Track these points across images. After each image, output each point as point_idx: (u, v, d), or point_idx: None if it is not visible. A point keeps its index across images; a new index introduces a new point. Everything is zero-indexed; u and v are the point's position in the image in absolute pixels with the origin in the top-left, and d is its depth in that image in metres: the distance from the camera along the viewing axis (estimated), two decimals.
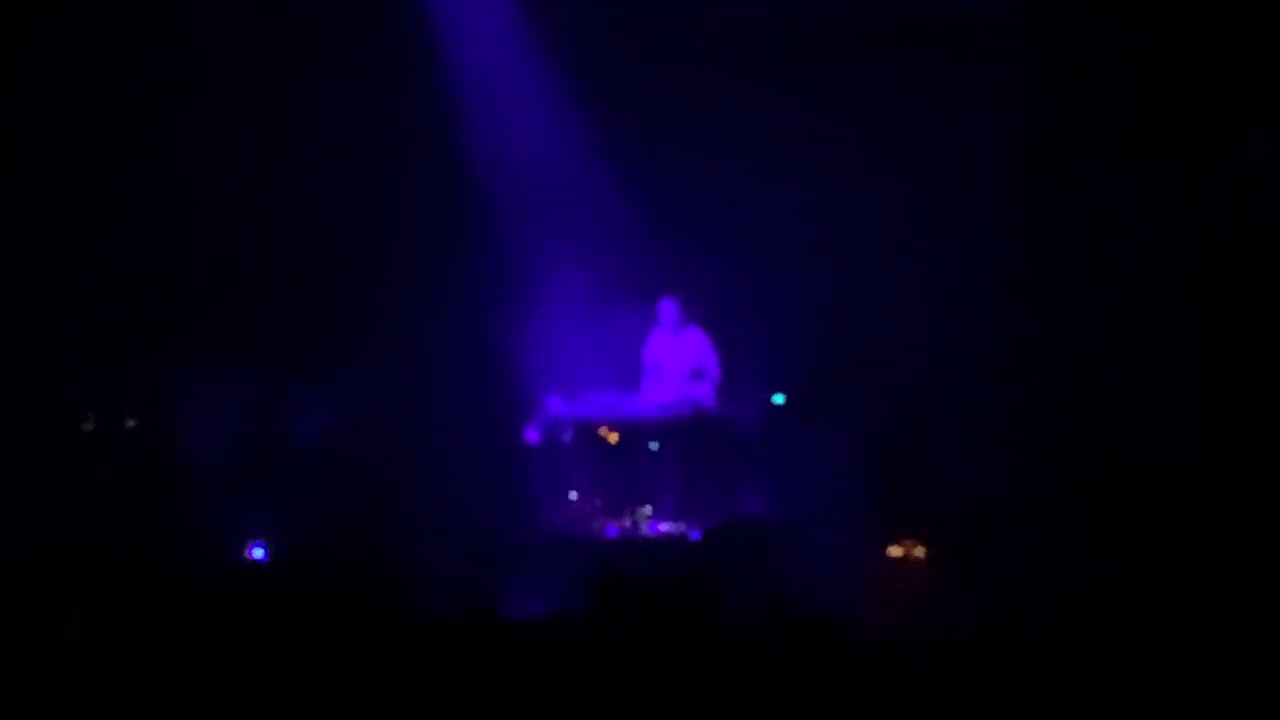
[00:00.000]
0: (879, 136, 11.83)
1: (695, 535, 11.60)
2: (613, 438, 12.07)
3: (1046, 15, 11.56)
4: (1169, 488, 10.54)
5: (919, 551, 10.95)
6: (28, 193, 11.91)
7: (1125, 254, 11.43)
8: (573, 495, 12.06)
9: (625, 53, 12.17)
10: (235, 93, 12.11)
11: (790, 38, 11.90)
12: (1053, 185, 11.58)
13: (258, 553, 11.47)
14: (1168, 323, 11.16)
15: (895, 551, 10.96)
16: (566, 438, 12.15)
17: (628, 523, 11.94)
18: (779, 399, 12.27)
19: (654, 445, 12.03)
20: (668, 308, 12.31)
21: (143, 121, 12.05)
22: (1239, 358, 10.77)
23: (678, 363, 12.34)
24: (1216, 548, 9.91)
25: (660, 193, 12.25)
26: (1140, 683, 7.00)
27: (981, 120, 11.59)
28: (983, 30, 11.65)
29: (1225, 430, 10.61)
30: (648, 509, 11.91)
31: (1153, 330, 11.20)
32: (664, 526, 11.85)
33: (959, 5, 11.72)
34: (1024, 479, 10.77)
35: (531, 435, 12.16)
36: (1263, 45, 10.91)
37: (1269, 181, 11.16)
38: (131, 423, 11.79)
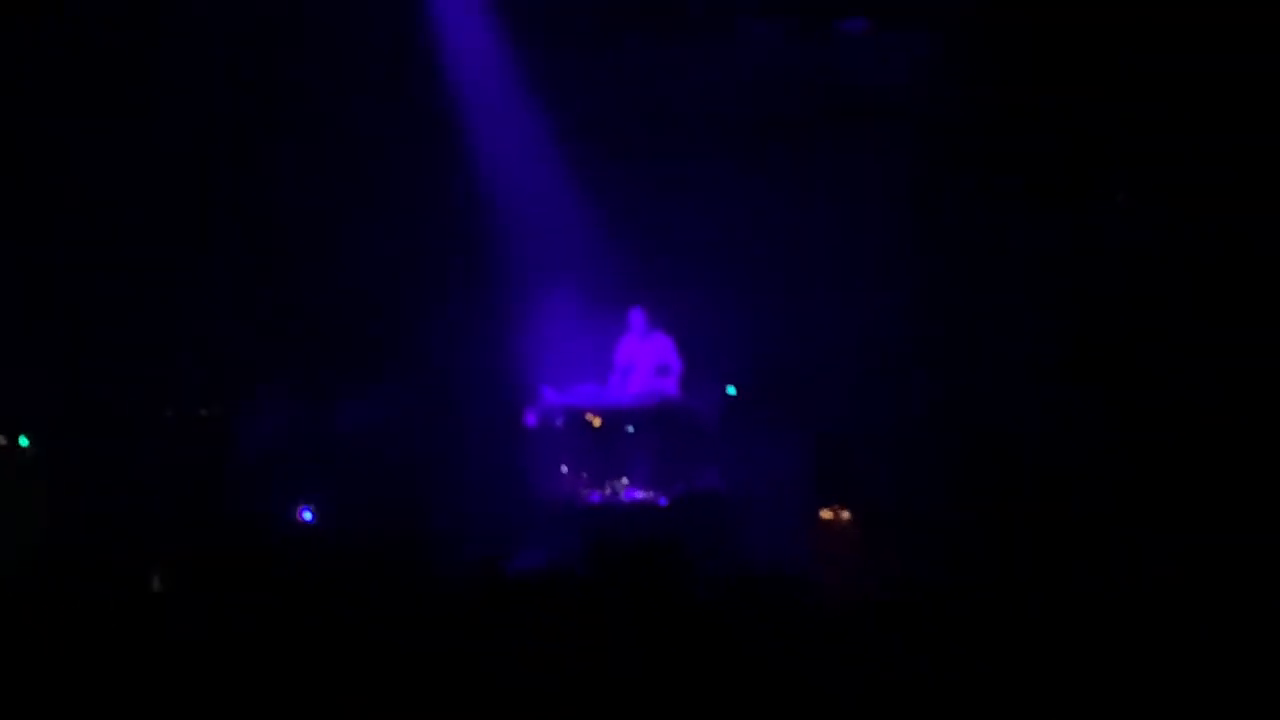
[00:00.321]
0: (806, 186, 13.04)
1: (663, 501, 12.72)
2: (596, 422, 13.14)
3: (934, 94, 12.67)
4: (1031, 466, 11.45)
5: (845, 514, 11.88)
6: (126, 224, 12.75)
7: (1002, 279, 12.48)
8: (563, 468, 13.11)
9: (611, 110, 13.32)
10: (311, 138, 13.01)
11: (737, 125, 13.19)
12: (945, 223, 12.70)
13: (307, 515, 12.44)
14: (1036, 336, 12.15)
15: (826, 514, 11.87)
16: (559, 422, 13.24)
17: (608, 491, 12.95)
18: (731, 391, 13.33)
19: (630, 428, 13.15)
20: (637, 315, 13.51)
21: (234, 161, 12.94)
22: (1091, 358, 11.86)
23: (646, 361, 13.50)
24: (1070, 505, 10.70)
25: (632, 222, 13.37)
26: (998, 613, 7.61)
27: (889, 173, 12.77)
28: (887, 103, 12.89)
29: (1079, 414, 11.60)
30: (624, 480, 12.98)
31: (1022, 341, 12.20)
32: (638, 494, 12.93)
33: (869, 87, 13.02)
34: (920, 456, 11.85)
35: (530, 419, 13.24)
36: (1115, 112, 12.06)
37: (1127, 221, 12.39)
38: (204, 412, 12.97)
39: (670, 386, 13.46)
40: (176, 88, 12.89)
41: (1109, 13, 12.04)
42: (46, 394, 12.44)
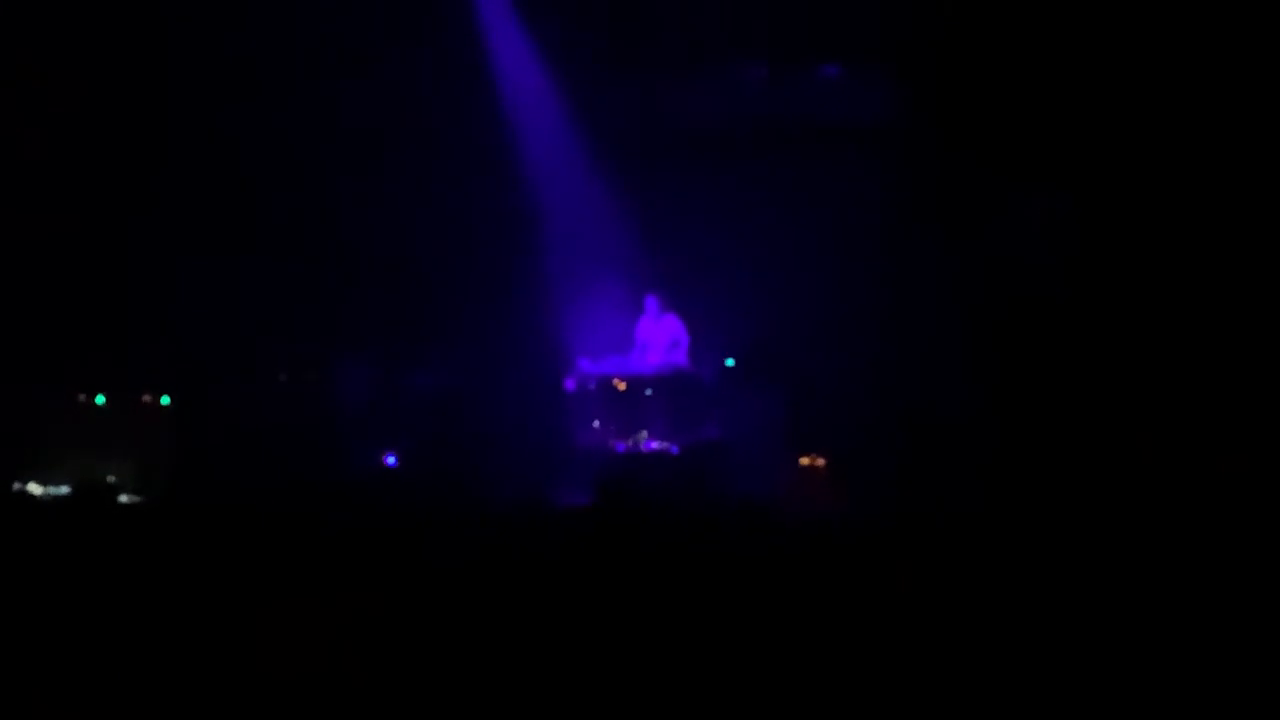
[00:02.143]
0: (793, 195, 14.07)
1: (675, 450, 13.72)
2: (622, 386, 14.08)
3: (898, 123, 13.63)
4: (961, 429, 12.25)
5: (820, 461, 12.75)
6: (221, 217, 13.65)
7: (951, 273, 13.42)
8: (595, 424, 14.11)
9: (634, 130, 14.30)
10: (369, 142, 13.78)
11: (736, 144, 14.17)
12: (909, 225, 13.61)
13: (390, 460, 13.50)
14: (974, 321, 13.07)
15: (804, 461, 12.75)
16: (591, 386, 14.22)
17: (631, 442, 13.91)
18: (730, 362, 14.25)
19: (648, 392, 14.12)
20: (652, 301, 14.55)
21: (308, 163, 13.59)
22: (1012, 347, 12.66)
23: (661, 338, 14.49)
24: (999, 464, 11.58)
25: (652, 225, 14.46)
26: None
27: (862, 185, 13.64)
28: (861, 128, 13.86)
29: (1008, 394, 12.48)
30: (644, 433, 13.94)
31: (963, 323, 13.12)
32: (655, 444, 13.89)
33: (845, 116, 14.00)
34: (878, 417, 12.86)
35: (569, 384, 14.23)
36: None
37: (1039, 238, 13.28)
38: (312, 378, 14.00)
39: (680, 358, 14.37)
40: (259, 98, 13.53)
41: (1048, 50, 12.86)
42: (189, 362, 13.61)
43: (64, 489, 12.04)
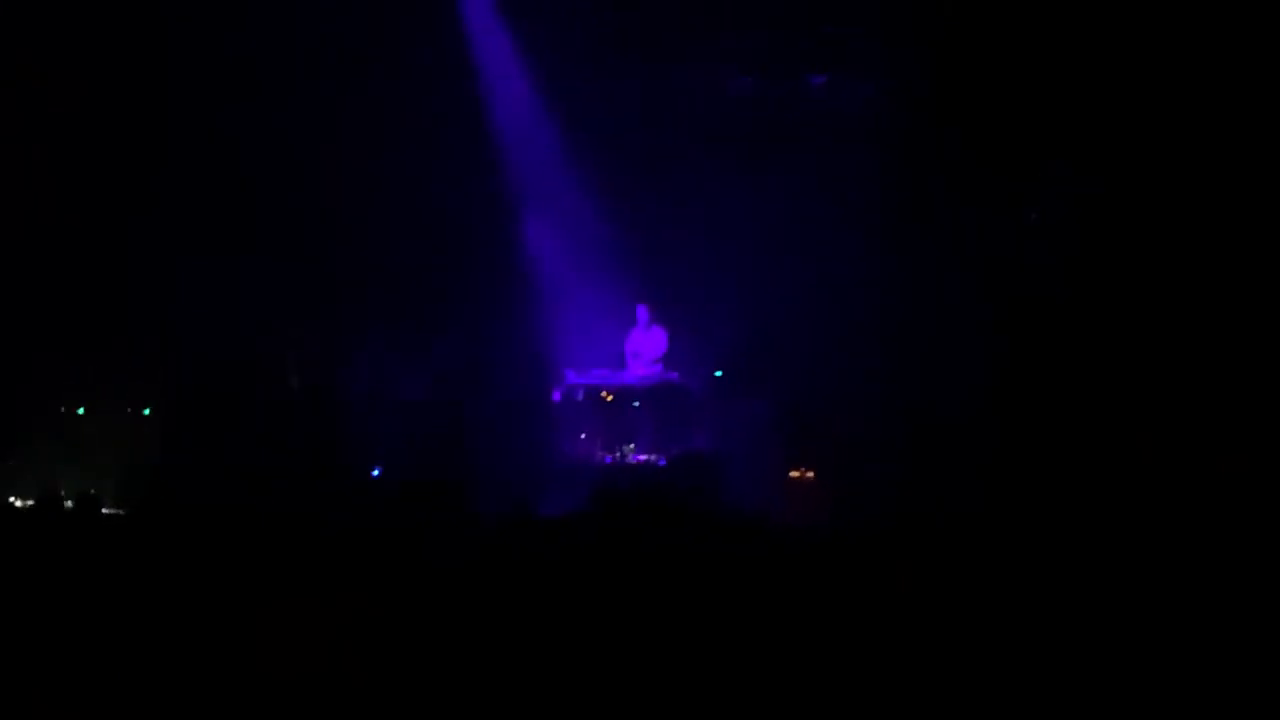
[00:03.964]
0: (780, 203, 14.08)
1: (662, 462, 13.78)
2: (609, 398, 14.26)
3: (885, 126, 13.87)
4: (960, 433, 12.29)
5: (809, 474, 12.90)
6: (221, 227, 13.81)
7: (944, 279, 13.51)
8: (582, 435, 14.32)
9: (622, 136, 14.40)
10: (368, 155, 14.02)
11: (724, 150, 14.27)
12: (894, 235, 13.72)
13: (375, 472, 13.44)
14: (970, 325, 13.10)
15: (794, 473, 12.91)
16: (579, 397, 14.44)
17: (618, 454, 14.06)
18: (719, 374, 14.45)
19: (636, 403, 14.30)
20: (642, 311, 14.81)
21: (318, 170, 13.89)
22: (1015, 345, 12.74)
23: (649, 349, 14.74)
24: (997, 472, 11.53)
25: (640, 237, 14.65)
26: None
27: (849, 193, 13.77)
28: (848, 132, 14.07)
29: (1004, 398, 12.52)
30: (631, 445, 14.11)
31: (958, 329, 13.15)
32: (642, 456, 14.07)
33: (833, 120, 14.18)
34: (871, 428, 12.84)
35: (556, 395, 14.44)
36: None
37: (1040, 234, 13.51)
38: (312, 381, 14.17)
39: (668, 371, 14.62)
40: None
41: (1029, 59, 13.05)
42: (177, 370, 13.77)
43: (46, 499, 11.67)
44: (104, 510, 10.82)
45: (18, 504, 12.52)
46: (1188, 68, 12.39)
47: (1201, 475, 10.59)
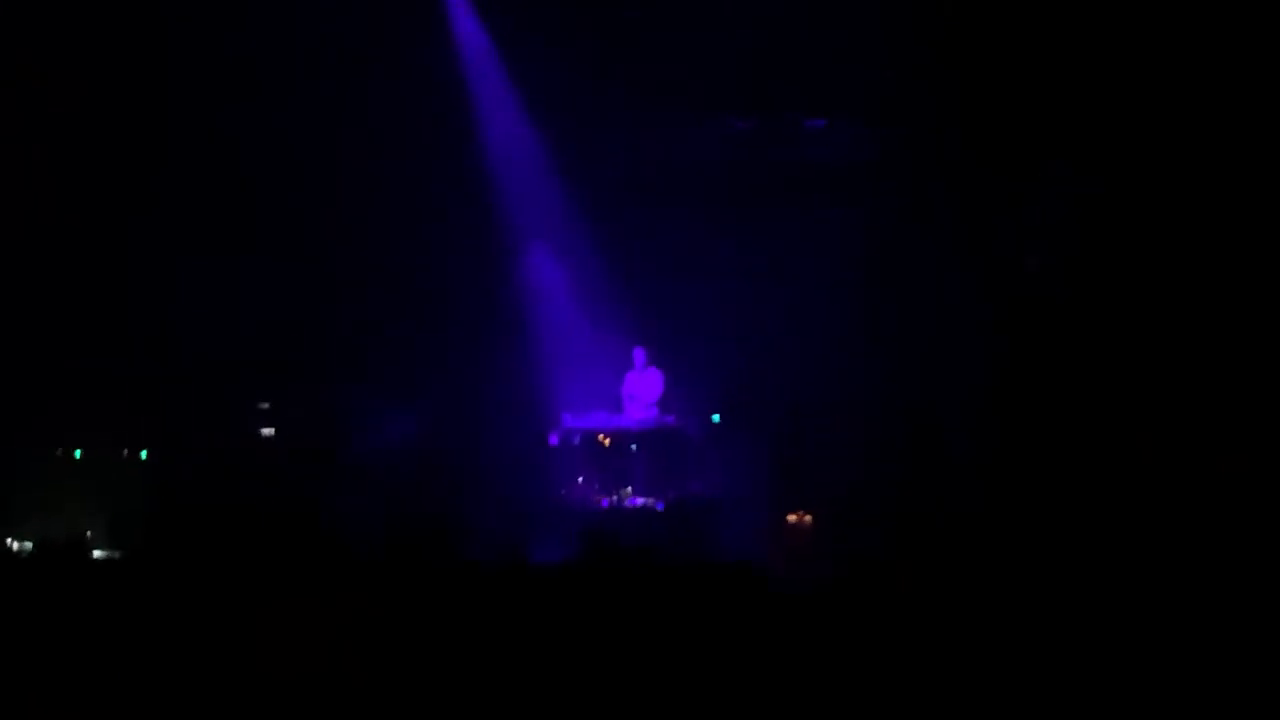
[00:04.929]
0: (775, 252, 14.25)
1: (660, 506, 13.61)
2: (606, 441, 14.10)
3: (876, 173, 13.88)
4: (967, 468, 12.30)
5: (808, 518, 12.49)
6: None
7: (931, 325, 13.54)
8: (579, 479, 14.14)
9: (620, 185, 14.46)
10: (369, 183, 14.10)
11: (727, 185, 14.39)
12: (887, 279, 13.80)
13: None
14: (970, 331, 13.08)
15: (792, 518, 12.50)
16: (576, 441, 14.26)
17: (615, 498, 13.90)
18: (716, 418, 14.34)
19: (633, 447, 14.14)
20: (639, 354, 14.67)
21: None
22: (1017, 365, 12.73)
23: (646, 392, 14.63)
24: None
25: (637, 280, 14.65)
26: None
27: (841, 240, 13.93)
28: (840, 180, 14.13)
29: (1007, 423, 12.49)
30: (629, 489, 13.95)
31: (959, 339, 13.17)
32: (639, 500, 13.87)
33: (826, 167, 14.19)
34: (870, 470, 12.72)
35: (553, 439, 14.29)
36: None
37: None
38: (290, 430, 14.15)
39: (665, 414, 14.46)
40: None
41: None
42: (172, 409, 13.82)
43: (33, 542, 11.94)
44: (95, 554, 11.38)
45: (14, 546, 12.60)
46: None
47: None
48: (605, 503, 13.89)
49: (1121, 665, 6.14)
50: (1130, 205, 12.77)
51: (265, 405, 14.20)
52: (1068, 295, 12.88)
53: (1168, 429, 11.53)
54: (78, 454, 13.69)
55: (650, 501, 13.78)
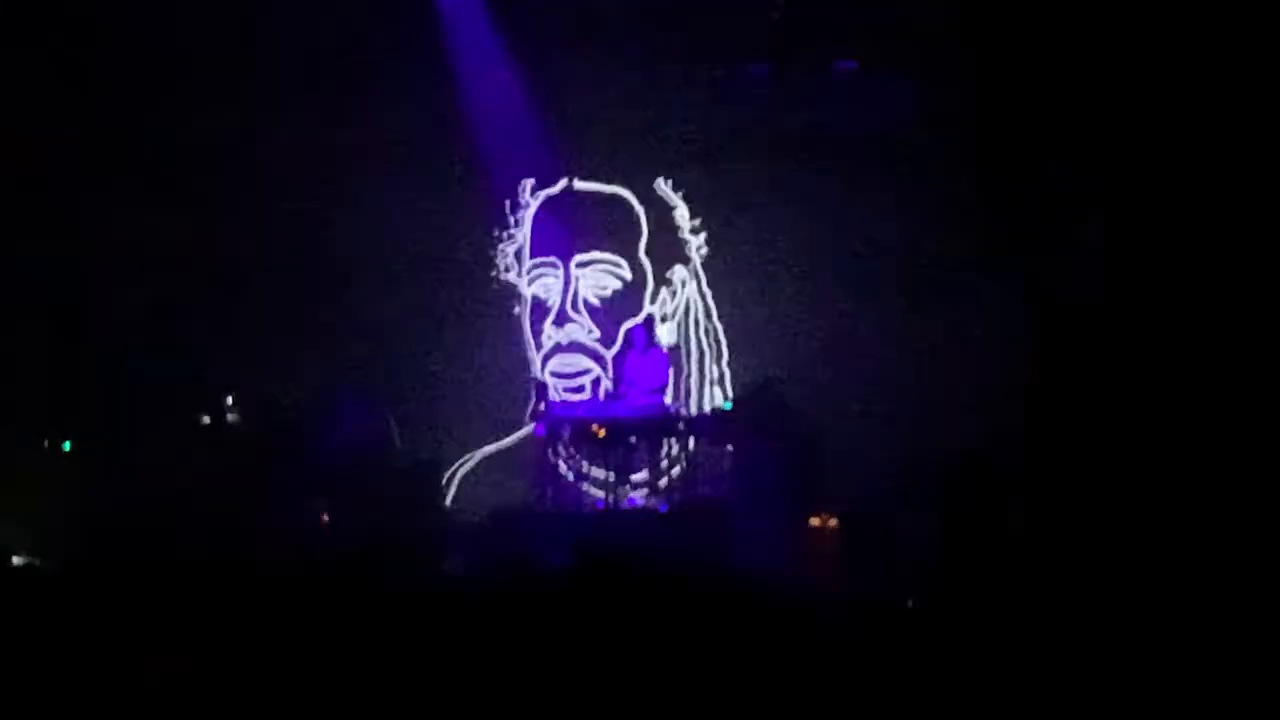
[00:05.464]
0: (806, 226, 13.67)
1: (663, 508, 12.84)
2: (601, 432, 13.04)
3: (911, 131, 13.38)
4: (994, 481, 11.28)
5: (832, 522, 11.97)
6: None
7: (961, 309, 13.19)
8: (569, 476, 13.35)
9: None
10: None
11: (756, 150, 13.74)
12: (919, 252, 13.38)
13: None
14: (1010, 364, 12.63)
15: (815, 521, 11.99)
16: (565, 432, 13.31)
17: (611, 498, 13.02)
18: (727, 405, 13.39)
19: (632, 439, 13.07)
20: (638, 332, 13.66)
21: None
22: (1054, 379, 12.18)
23: (646, 377, 13.49)
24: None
25: None
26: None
27: (869, 205, 13.45)
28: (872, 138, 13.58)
29: (1043, 436, 11.82)
30: (627, 488, 13.11)
31: (996, 368, 12.76)
32: (639, 501, 13.10)
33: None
34: (897, 471, 12.08)
35: (539, 429, 13.31)
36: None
37: (1093, 257, 12.72)
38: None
39: (667, 401, 13.52)
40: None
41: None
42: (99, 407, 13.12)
43: None
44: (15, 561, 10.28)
45: None
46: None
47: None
48: (600, 504, 13.04)
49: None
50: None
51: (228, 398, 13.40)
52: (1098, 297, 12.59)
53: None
54: None
55: (652, 502, 13.06)
